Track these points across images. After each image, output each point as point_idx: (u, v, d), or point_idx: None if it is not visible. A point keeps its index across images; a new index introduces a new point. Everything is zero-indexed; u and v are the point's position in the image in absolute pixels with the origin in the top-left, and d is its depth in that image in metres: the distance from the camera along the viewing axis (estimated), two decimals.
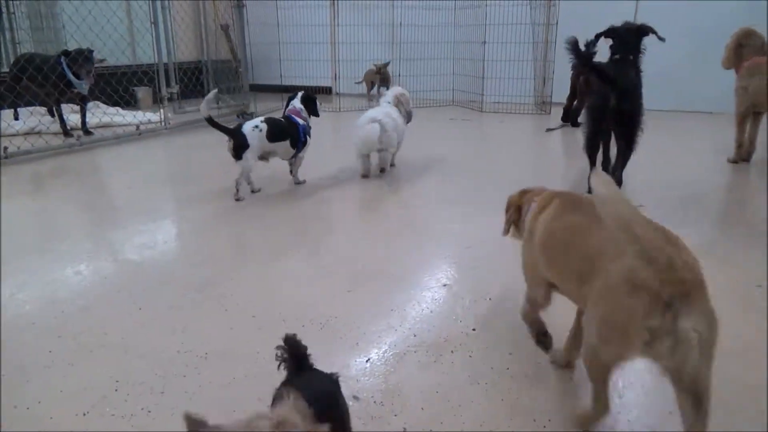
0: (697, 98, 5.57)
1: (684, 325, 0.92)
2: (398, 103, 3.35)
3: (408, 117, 3.41)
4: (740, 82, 3.32)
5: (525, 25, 5.68)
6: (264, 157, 2.85)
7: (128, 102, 5.33)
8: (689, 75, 5.56)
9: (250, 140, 2.67)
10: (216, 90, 2.96)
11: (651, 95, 5.17)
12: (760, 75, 3.23)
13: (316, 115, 3.05)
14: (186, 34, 6.52)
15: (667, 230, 1.04)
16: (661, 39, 2.80)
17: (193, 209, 2.72)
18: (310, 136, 2.96)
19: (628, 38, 2.77)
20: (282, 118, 2.91)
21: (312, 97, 3.04)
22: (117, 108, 4.86)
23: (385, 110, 3.24)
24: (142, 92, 5.73)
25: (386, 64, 6.34)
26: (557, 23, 5.57)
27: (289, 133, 2.83)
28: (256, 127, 2.72)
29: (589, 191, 1.51)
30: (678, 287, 0.92)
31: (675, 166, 3.51)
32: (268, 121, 2.76)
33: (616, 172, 2.80)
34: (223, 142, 2.78)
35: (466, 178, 3.28)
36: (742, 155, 3.46)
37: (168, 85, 4.58)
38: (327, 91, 6.99)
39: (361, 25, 6.46)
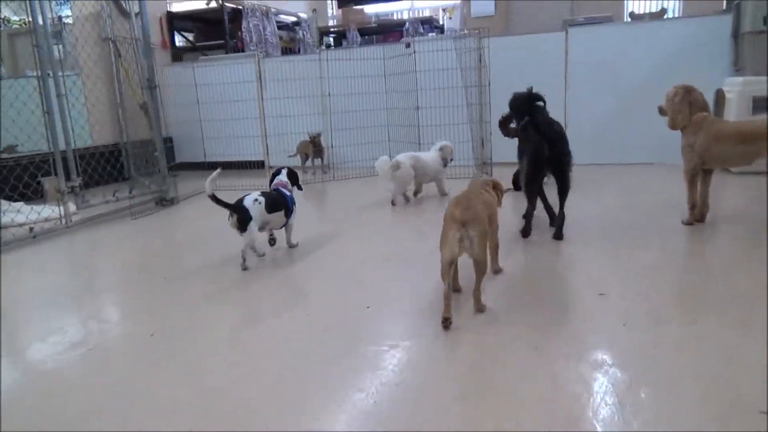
0: (633, 150, 5.48)
1: (470, 233, 2.05)
2: (442, 149, 4.44)
3: (445, 162, 4.43)
4: (687, 139, 3.12)
5: (457, 88, 5.53)
6: (262, 227, 3.05)
7: (34, 195, 4.80)
8: (625, 128, 5.49)
9: (252, 213, 2.89)
10: (219, 169, 2.99)
11: (590, 150, 5.05)
12: (705, 130, 3.04)
13: (300, 188, 3.37)
14: (102, 116, 6.09)
15: (473, 196, 2.24)
16: (543, 103, 3.44)
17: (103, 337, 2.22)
18: (295, 205, 3.24)
19: (522, 104, 3.39)
20: (272, 191, 3.16)
21: (295, 173, 3.33)
22: (19, 203, 4.33)
23: (417, 153, 4.38)
24: (49, 183, 5.19)
25: (319, 134, 6.05)
26: (489, 84, 5.47)
27: (282, 204, 3.09)
28: (256, 200, 2.93)
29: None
30: (467, 217, 2.05)
31: (630, 234, 3.24)
32: (264, 194, 3.00)
33: (561, 209, 3.17)
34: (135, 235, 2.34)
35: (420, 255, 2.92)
36: (697, 216, 3.23)
37: (68, 178, 4.08)
38: (259, 165, 6.64)
39: (289, 97, 6.19)
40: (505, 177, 4.24)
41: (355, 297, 2.49)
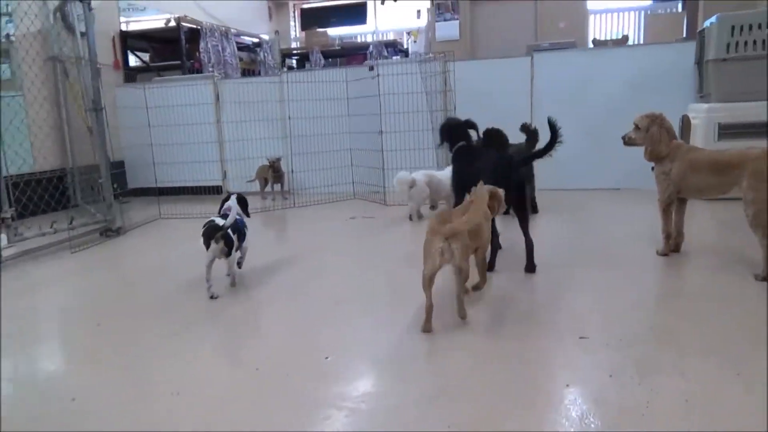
0: (600, 175, 5.41)
1: (453, 246, 2.15)
2: None
3: None
4: (662, 167, 3.00)
5: (422, 112, 5.38)
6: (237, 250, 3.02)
7: None
8: (592, 153, 5.42)
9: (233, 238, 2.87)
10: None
11: (557, 175, 4.95)
12: (680, 159, 2.93)
13: (248, 215, 3.27)
14: (47, 139, 5.72)
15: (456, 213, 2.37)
16: (479, 136, 3.57)
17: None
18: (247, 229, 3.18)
19: (454, 131, 3.40)
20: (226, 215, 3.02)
21: (245, 199, 3.26)
22: None
23: (433, 171, 4.59)
24: None
25: (279, 159, 5.81)
26: (455, 108, 5.34)
27: (239, 229, 3.02)
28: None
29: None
30: (449, 232, 2.15)
31: (606, 267, 3.08)
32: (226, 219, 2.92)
33: (526, 237, 2.99)
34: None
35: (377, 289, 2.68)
36: (672, 247, 3.10)
37: None
38: (216, 191, 6.35)
39: (249, 120, 5.93)
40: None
41: (314, 342, 2.23)
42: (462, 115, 5.60)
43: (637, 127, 3.09)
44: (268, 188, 5.96)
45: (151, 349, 2.29)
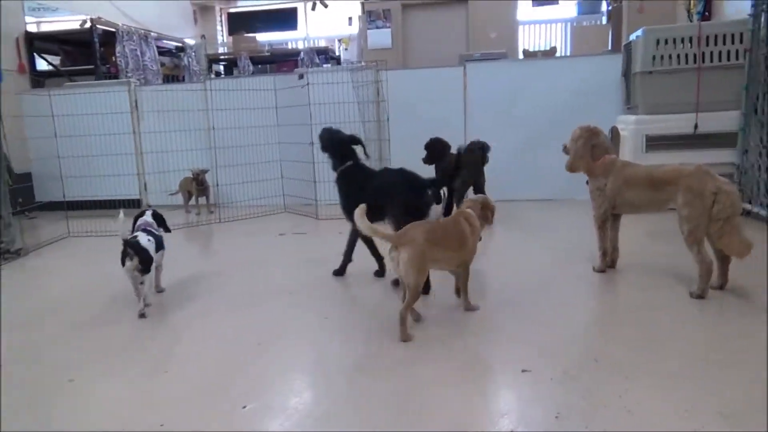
0: (535, 186, 5.40)
1: (401, 256, 2.22)
2: None
3: None
4: (596, 183, 2.94)
5: (354, 122, 5.19)
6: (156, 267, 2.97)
7: None
8: (526, 163, 5.41)
9: (152, 253, 2.76)
10: (122, 212, 2.76)
11: (491, 186, 4.84)
12: (615, 175, 2.87)
13: (168, 230, 3.18)
14: None
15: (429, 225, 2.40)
16: (366, 155, 3.37)
17: None
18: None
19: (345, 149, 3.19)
20: (142, 232, 2.91)
21: (160, 215, 3.16)
22: None
23: None
24: None
25: (204, 171, 5.46)
26: (388, 119, 5.19)
27: (161, 244, 2.97)
28: (149, 240, 2.81)
29: None
30: (398, 242, 2.24)
31: (544, 288, 2.98)
32: (148, 233, 2.87)
33: None
34: None
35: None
36: (608, 263, 3.05)
37: None
38: (135, 204, 5.91)
39: (171, 131, 5.55)
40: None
41: (230, 387, 1.98)
42: (395, 126, 5.52)
43: (573, 138, 3.03)
44: (192, 202, 5.61)
45: (35, 405, 1.96)
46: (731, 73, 4.39)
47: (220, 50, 10.72)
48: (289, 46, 10.89)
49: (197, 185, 5.46)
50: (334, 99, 5.14)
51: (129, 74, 6.76)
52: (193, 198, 5.58)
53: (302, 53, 8.99)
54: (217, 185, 5.55)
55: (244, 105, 5.55)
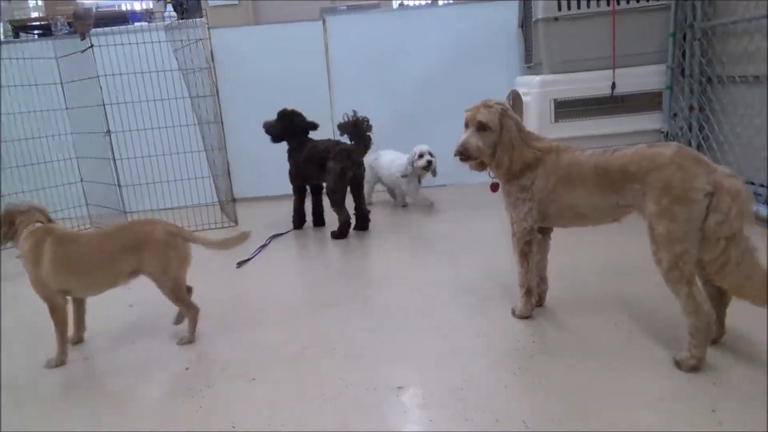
0: None
1: None
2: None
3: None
4: (518, 182, 1.79)
5: (185, 98, 3.78)
6: None
7: None
8: (406, 139, 4.27)
9: None
10: None
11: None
12: (545, 166, 1.75)
13: None
14: None
15: None
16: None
17: None
18: None
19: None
20: None
21: None
22: None
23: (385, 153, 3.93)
24: None
25: None
26: (218, 93, 3.83)
27: None
28: None
29: None
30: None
31: (437, 356, 1.85)
32: None
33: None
34: None
35: None
36: (534, 301, 1.96)
37: None
38: None
39: None
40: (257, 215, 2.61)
41: None
42: (240, 96, 4.22)
43: (482, 127, 1.83)
44: None
45: None
46: (654, 17, 3.48)
47: (34, 15, 8.62)
48: (124, 9, 8.99)
49: None
50: (143, 68, 3.69)
51: None
52: None
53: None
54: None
55: (12, 81, 3.92)
